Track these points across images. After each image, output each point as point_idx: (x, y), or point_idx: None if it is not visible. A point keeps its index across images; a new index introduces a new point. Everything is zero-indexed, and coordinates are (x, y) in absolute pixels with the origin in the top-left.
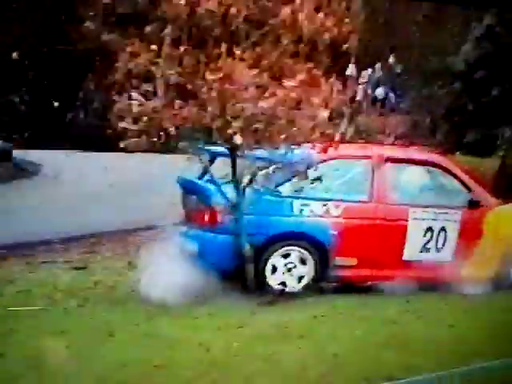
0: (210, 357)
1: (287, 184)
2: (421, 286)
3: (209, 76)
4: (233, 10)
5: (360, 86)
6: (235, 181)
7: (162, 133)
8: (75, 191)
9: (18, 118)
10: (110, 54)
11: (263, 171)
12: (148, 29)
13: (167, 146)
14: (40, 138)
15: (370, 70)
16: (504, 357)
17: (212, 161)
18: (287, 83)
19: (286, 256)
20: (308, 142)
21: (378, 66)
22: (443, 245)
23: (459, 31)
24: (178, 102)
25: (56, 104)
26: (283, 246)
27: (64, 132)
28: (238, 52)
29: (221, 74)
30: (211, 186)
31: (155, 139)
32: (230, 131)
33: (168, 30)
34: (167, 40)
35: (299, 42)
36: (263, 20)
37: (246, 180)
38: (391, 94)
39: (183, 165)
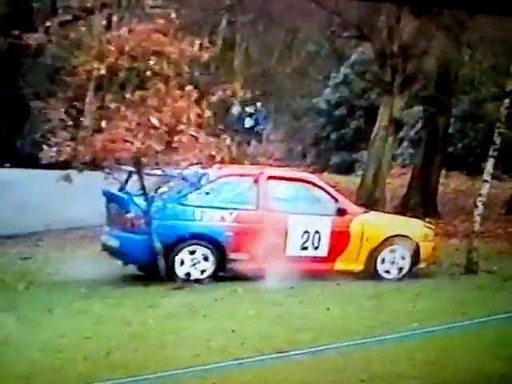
0: (131, 330)
1: (190, 195)
2: (302, 276)
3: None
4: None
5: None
6: (144, 193)
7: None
8: (23, 199)
9: None
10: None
11: (168, 185)
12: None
13: (91, 166)
14: None
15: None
16: (371, 335)
17: (128, 177)
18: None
19: (193, 252)
20: (199, 163)
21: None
22: (318, 244)
23: (321, 79)
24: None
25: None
26: (189, 245)
27: (13, 155)
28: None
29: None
30: (127, 197)
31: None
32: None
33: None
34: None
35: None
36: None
37: (152, 192)
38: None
39: (104, 180)
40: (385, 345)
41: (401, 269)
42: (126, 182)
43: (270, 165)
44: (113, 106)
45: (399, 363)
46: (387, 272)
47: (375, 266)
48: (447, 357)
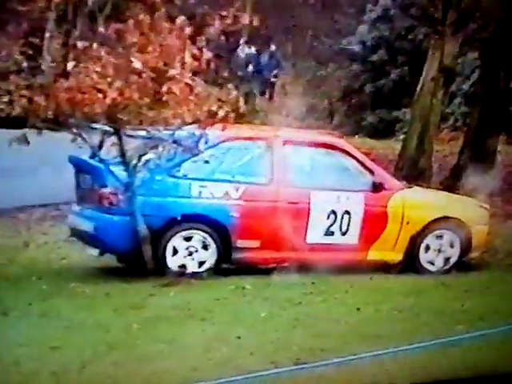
0: (110, 338)
1: (184, 165)
2: (327, 268)
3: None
4: None
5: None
6: (124, 161)
7: (49, 110)
8: None
9: None
10: None
11: (156, 151)
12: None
13: (53, 124)
14: None
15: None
16: (409, 341)
17: (103, 140)
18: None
19: (188, 239)
20: (196, 122)
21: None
22: (347, 228)
23: (354, 12)
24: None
25: None
26: (184, 229)
27: None
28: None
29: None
30: (102, 166)
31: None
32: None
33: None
34: (52, 17)
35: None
36: None
37: (135, 160)
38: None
39: (72, 143)
40: (425, 352)
41: (448, 259)
42: (100, 146)
43: (288, 125)
44: (81, 43)
45: (442, 374)
46: (431, 263)
47: (417, 256)
48: (501, 365)
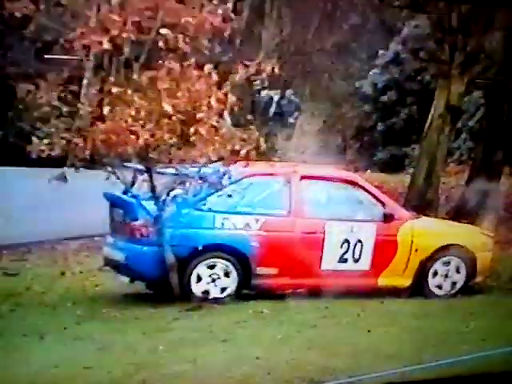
0: (138, 359)
1: (209, 199)
2: (340, 293)
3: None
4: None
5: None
6: (154, 196)
7: (86, 150)
8: (6, 202)
9: None
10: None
11: (183, 186)
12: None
13: (90, 163)
14: None
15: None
16: (417, 360)
17: (135, 177)
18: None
19: (212, 267)
20: (221, 159)
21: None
22: (360, 256)
23: (367, 57)
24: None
25: None
26: (208, 258)
27: None
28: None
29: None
30: (134, 201)
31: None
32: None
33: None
34: (90, 65)
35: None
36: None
37: (164, 195)
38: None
39: (106, 180)
40: (431, 371)
41: (454, 283)
42: (133, 182)
43: (304, 162)
44: (116, 89)
45: None
46: (439, 287)
47: (426, 281)
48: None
